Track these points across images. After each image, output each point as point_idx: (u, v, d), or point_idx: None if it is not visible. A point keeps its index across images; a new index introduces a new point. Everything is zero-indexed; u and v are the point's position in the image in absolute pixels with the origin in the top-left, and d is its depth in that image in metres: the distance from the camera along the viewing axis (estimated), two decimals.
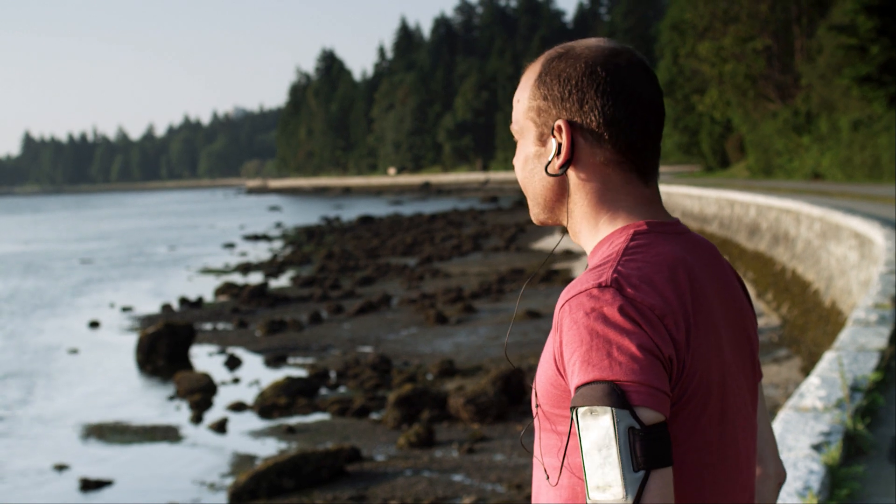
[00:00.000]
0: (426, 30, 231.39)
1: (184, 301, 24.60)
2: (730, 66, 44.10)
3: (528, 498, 9.19)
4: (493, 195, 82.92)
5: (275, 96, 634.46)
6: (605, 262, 1.46)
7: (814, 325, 14.88)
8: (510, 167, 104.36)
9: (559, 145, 1.52)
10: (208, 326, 21.02)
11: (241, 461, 11.28)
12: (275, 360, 16.78)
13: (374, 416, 12.77)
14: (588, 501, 1.35)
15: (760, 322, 16.75)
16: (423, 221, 53.62)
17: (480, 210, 63.05)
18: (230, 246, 45.06)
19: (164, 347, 17.44)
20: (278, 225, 60.64)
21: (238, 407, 13.60)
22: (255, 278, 30.62)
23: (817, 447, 4.83)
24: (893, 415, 6.00)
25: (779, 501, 3.79)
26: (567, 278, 24.02)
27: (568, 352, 1.40)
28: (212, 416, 13.39)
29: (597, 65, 1.51)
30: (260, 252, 41.42)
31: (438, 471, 10.23)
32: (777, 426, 5.18)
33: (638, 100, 1.51)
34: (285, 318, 20.98)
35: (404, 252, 36.78)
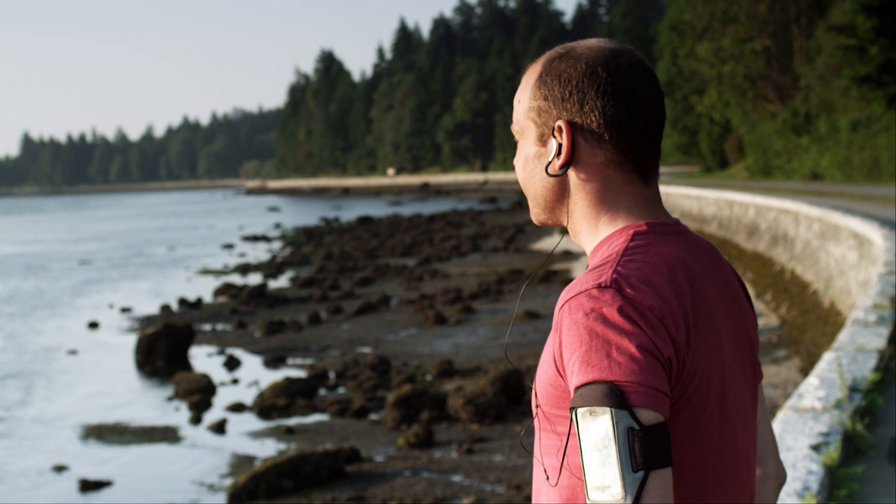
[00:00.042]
0: (425, 30, 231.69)
1: (183, 302, 24.60)
2: (729, 66, 44.12)
3: (528, 498, 9.19)
4: (491, 196, 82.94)
5: (274, 97, 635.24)
6: (605, 263, 1.46)
7: (813, 325, 14.89)
8: (509, 168, 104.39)
9: (560, 146, 1.52)
10: (207, 327, 21.02)
11: (241, 462, 11.28)
12: (274, 361, 16.77)
13: (373, 416, 12.77)
14: (587, 502, 1.35)
15: (759, 322, 16.74)
16: (422, 222, 53.63)
17: (479, 211, 63.05)
18: (229, 247, 45.06)
19: (163, 348, 17.43)
20: (277, 226, 60.64)
21: (237, 408, 13.59)
22: (255, 279, 30.62)
23: (816, 448, 4.83)
24: (892, 415, 6.00)
25: (778, 502, 3.79)
26: (566, 279, 24.02)
27: (567, 352, 1.40)
28: (211, 416, 13.38)
29: (598, 65, 1.51)
30: (259, 253, 41.42)
31: (437, 471, 10.23)
32: (776, 426, 5.18)
33: (639, 100, 1.51)
34: (284, 318, 20.98)
35: (403, 253, 36.79)
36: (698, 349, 1.43)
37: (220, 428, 12.67)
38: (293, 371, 16.08)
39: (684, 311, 1.43)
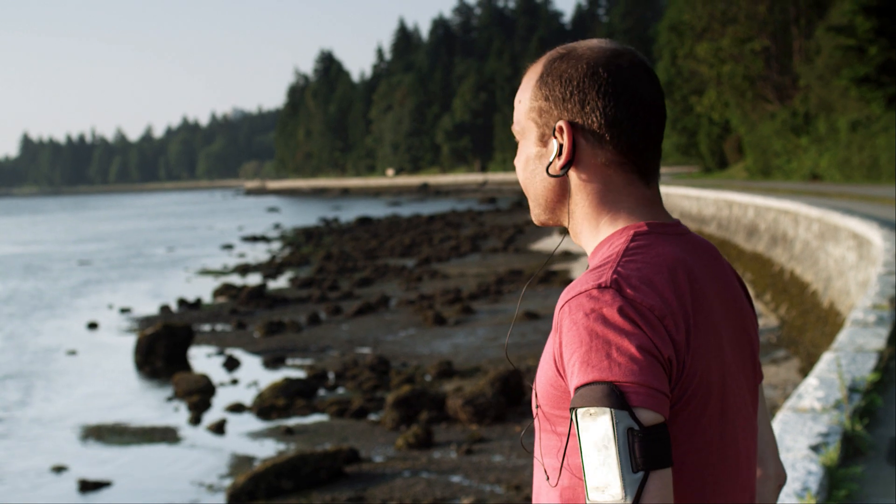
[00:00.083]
0: (424, 31, 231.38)
1: (182, 302, 24.59)
2: (728, 67, 44.12)
3: (527, 499, 9.20)
4: (491, 196, 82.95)
5: (273, 97, 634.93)
6: (605, 263, 1.46)
7: (812, 325, 14.89)
8: (508, 168, 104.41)
9: (560, 146, 1.52)
10: (207, 327, 21.02)
11: (240, 462, 11.28)
12: (273, 362, 16.77)
13: (373, 417, 12.77)
14: (587, 502, 1.35)
15: (759, 323, 16.75)
16: (422, 222, 53.63)
17: (479, 211, 63.04)
18: (228, 247, 45.06)
19: (162, 349, 17.43)
20: (277, 226, 60.63)
21: (236, 408, 13.59)
22: (254, 279, 30.62)
23: (815, 448, 4.83)
24: (892, 416, 6.00)
25: (777, 502, 3.79)
26: (565, 279, 24.03)
27: (567, 353, 1.40)
28: (210, 417, 13.38)
29: (598, 66, 1.51)
30: (258, 253, 41.41)
31: (437, 472, 10.23)
32: (775, 427, 5.18)
33: (640, 101, 1.51)
34: (284, 319, 20.97)
35: (403, 253, 36.79)
36: (698, 350, 1.43)
37: (219, 428, 12.67)
38: (292, 371, 16.08)
39: (685, 312, 1.43)
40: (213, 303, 25.19)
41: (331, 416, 12.95)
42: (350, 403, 13.19)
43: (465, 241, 39.33)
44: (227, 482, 10.45)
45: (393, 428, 11.97)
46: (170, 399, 14.69)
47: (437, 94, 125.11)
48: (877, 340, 7.22)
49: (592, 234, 1.55)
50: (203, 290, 28.06)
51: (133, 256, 43.21)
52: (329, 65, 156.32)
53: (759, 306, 18.55)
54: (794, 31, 43.04)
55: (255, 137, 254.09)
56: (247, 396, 14.35)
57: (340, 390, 14.55)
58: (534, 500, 1.54)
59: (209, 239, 52.48)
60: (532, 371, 13.57)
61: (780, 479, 1.72)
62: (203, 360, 17.54)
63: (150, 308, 24.84)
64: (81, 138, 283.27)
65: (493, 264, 30.74)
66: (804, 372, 12.84)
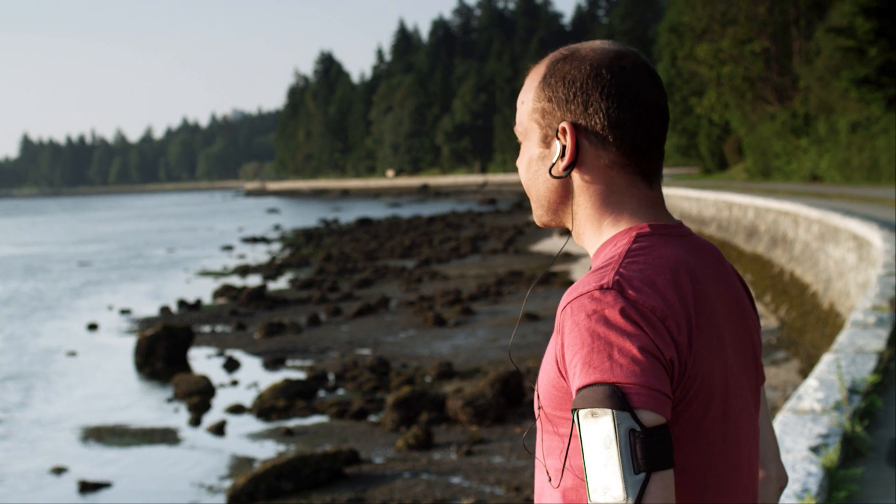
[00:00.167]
0: (424, 32, 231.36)
1: (182, 303, 24.59)
2: (728, 68, 44.12)
3: (527, 500, 9.20)
4: (491, 197, 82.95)
5: (273, 98, 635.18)
6: (608, 265, 1.46)
7: (812, 327, 14.89)
8: (508, 169, 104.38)
9: (563, 147, 1.52)
10: (207, 329, 21.02)
11: (240, 463, 11.28)
12: (273, 363, 16.77)
13: (373, 418, 12.77)
14: (589, 503, 1.35)
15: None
16: (422, 224, 53.63)
17: (479, 212, 63.04)
18: (228, 248, 45.06)
19: (162, 350, 17.43)
20: (277, 227, 60.64)
21: (236, 409, 13.59)
22: (254, 281, 30.62)
23: (815, 449, 4.83)
24: (892, 417, 6.00)
25: None
26: (566, 280, 24.03)
27: (569, 354, 1.40)
28: (210, 418, 13.38)
29: (602, 67, 1.51)
30: (258, 254, 41.41)
31: (437, 473, 10.23)
32: (775, 428, 5.18)
33: (642, 102, 1.51)
34: (284, 320, 20.97)
35: (402, 254, 36.79)
36: (701, 351, 1.44)
37: (219, 429, 12.67)
38: (292, 373, 16.08)
39: (687, 313, 1.43)
40: (213, 304, 25.19)
41: (331, 417, 12.95)
42: (350, 404, 13.19)
43: (465, 242, 39.33)
44: (227, 483, 10.46)
45: (393, 429, 11.97)
46: (170, 400, 14.69)
47: (437, 95, 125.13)
48: (877, 342, 7.22)
49: (595, 235, 1.55)
50: (203, 291, 28.06)
51: (133, 257, 43.21)
52: (329, 66, 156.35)
53: (759, 307, 18.56)
54: (794, 32, 43.05)
55: (255, 138, 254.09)
56: (247, 397, 14.35)
57: (340, 391, 14.55)
58: (536, 501, 1.54)
59: (209, 240, 52.48)
60: (532, 372, 13.57)
61: (782, 480, 1.72)
62: (203, 361, 17.54)
63: (150, 309, 24.84)
64: (81, 139, 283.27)
65: (493, 265, 30.74)
66: (804, 373, 12.84)
